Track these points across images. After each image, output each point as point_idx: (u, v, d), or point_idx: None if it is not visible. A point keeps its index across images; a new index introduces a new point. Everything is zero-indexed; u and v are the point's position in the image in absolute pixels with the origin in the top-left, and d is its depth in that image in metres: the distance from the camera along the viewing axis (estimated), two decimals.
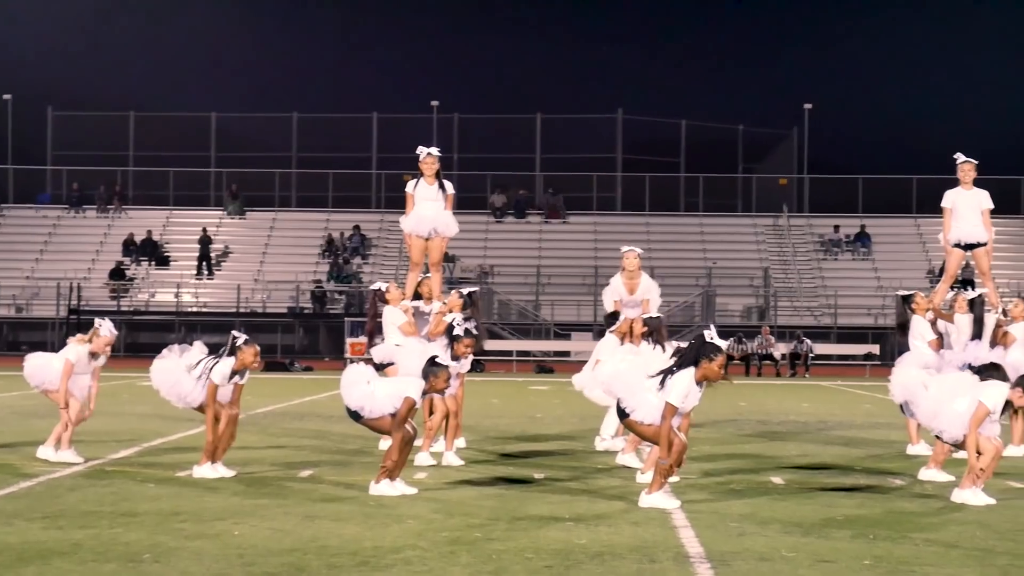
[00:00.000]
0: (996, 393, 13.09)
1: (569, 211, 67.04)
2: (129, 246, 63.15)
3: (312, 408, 26.19)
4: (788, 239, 65.05)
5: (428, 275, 17.62)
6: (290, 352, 55.22)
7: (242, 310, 58.09)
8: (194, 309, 59.85)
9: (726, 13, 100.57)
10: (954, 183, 18.50)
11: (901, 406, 17.32)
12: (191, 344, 14.83)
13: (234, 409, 14.46)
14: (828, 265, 63.83)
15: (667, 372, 12.53)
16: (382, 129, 70.44)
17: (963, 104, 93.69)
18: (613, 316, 17.79)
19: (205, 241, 62.37)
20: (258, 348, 14.45)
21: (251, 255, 64.04)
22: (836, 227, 65.07)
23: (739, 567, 9.67)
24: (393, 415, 13.14)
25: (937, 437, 13.76)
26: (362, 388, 13.35)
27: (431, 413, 16.40)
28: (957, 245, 18.37)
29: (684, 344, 13.58)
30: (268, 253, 64.10)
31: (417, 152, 17.37)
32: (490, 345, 48.42)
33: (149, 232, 63.63)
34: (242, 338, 14.39)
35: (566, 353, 52.94)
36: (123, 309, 58.24)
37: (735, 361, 48.31)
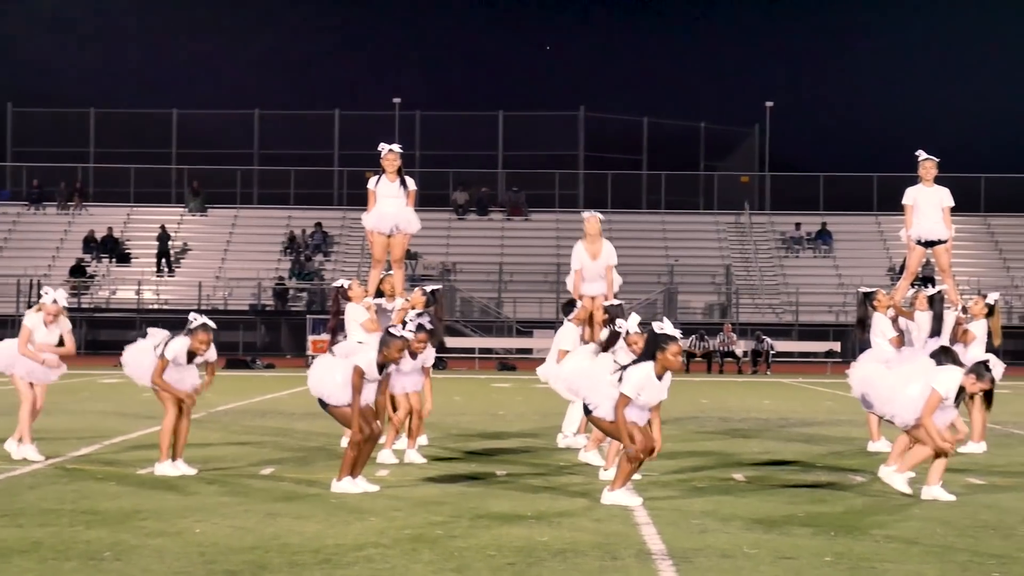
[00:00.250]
0: (949, 379, 13.06)
1: (531, 208, 67.07)
2: (90, 243, 62.89)
3: (274, 405, 26.12)
4: (750, 236, 65.22)
5: (390, 272, 17.60)
6: (252, 349, 55.09)
7: (204, 307, 57.79)
8: (155, 306, 59.63)
9: (688, 10, 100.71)
10: (915, 180, 18.57)
11: (861, 399, 17.37)
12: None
13: (189, 399, 14.45)
14: (789, 262, 64.04)
15: (626, 367, 12.57)
16: (344, 126, 70.36)
17: (924, 102, 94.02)
18: (570, 304, 17.89)
19: (163, 238, 62.14)
20: (210, 335, 14.39)
21: (213, 252, 63.87)
22: (797, 224, 65.29)
23: (701, 564, 9.69)
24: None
25: (889, 422, 13.78)
26: (327, 375, 13.36)
27: (395, 409, 16.40)
28: (918, 242, 18.44)
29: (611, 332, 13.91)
30: (230, 250, 63.93)
31: (379, 149, 17.35)
32: (452, 342, 48.49)
33: (110, 229, 63.37)
34: (199, 320, 14.37)
35: (528, 350, 52.93)
36: (84, 306, 57.99)
37: (697, 358, 48.46)
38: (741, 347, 49.07)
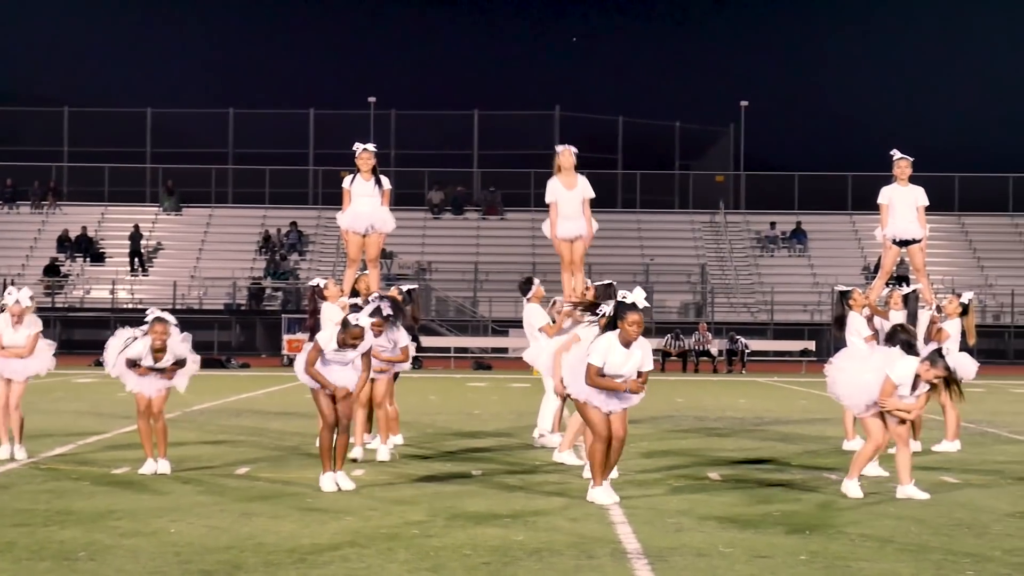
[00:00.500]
0: (903, 367, 13.07)
1: (507, 208, 67.06)
2: (64, 242, 62.68)
3: (249, 405, 26.07)
4: (725, 236, 65.31)
5: (365, 271, 17.57)
6: (227, 349, 54.94)
7: (178, 307, 57.72)
8: (129, 306, 59.41)
9: (663, 10, 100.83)
10: (890, 180, 18.59)
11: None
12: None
13: (156, 404, 14.44)
14: (764, 261, 64.13)
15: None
16: (319, 125, 70.24)
17: (898, 101, 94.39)
18: (528, 283, 17.96)
19: (136, 237, 61.97)
20: (164, 329, 14.27)
21: (187, 251, 63.69)
22: (772, 224, 65.39)
23: (676, 562, 9.69)
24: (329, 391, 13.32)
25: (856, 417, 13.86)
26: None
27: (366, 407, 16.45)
28: (893, 241, 18.46)
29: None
30: (205, 249, 63.78)
31: (354, 148, 17.31)
32: (428, 342, 48.42)
33: (84, 228, 63.17)
34: (153, 314, 14.30)
35: (504, 349, 52.96)
36: (58, 306, 57.82)
37: (672, 357, 48.52)
38: (716, 346, 49.15)
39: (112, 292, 59.59)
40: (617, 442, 12.66)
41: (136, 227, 62.48)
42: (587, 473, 14.03)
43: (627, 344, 12.51)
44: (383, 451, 16.15)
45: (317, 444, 13.58)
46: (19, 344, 15.77)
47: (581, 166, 17.47)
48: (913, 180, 18.43)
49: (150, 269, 62.24)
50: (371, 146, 17.34)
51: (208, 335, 54.67)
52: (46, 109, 70.45)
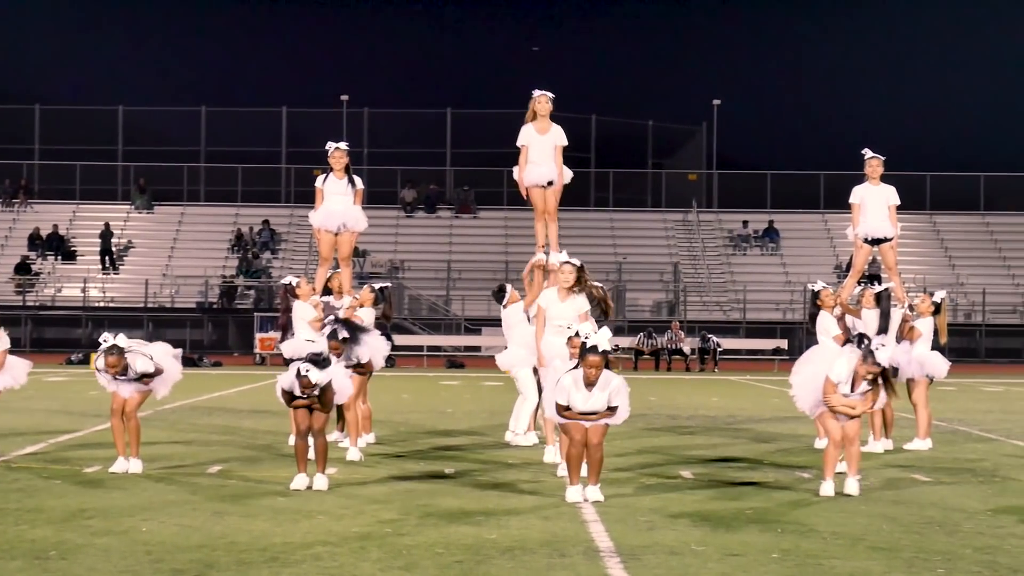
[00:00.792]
0: (840, 364, 13.12)
1: (480, 206, 67.03)
2: (35, 240, 62.43)
3: (221, 403, 26.03)
4: (697, 234, 65.38)
5: (338, 270, 17.58)
6: (199, 347, 54.76)
7: (150, 305, 57.68)
8: (101, 304, 59.26)
9: (635, 8, 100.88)
10: (861, 179, 18.66)
11: None
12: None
13: (131, 404, 14.41)
14: (737, 260, 64.23)
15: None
16: (291, 123, 70.12)
17: (870, 101, 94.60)
18: (500, 291, 18.03)
19: (106, 235, 61.77)
20: (116, 361, 14.08)
21: (159, 250, 63.50)
22: (745, 222, 65.49)
23: (649, 561, 9.70)
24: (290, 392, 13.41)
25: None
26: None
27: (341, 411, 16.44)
28: (864, 240, 18.50)
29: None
30: (176, 248, 63.60)
31: (327, 147, 17.30)
32: (401, 340, 48.39)
33: (55, 226, 62.93)
34: (106, 343, 14.19)
35: (477, 348, 52.95)
36: (29, 304, 57.61)
37: (645, 356, 48.60)
38: (689, 345, 49.22)
39: (83, 290, 59.38)
40: (590, 447, 12.59)
41: (107, 225, 62.25)
42: (562, 471, 14.05)
43: (589, 385, 12.40)
44: (353, 452, 16.13)
45: (290, 443, 13.55)
46: None
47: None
48: (885, 179, 18.49)
49: (121, 267, 62.05)
50: (343, 145, 17.33)
51: (180, 333, 54.60)
52: (17, 107, 70.12)
